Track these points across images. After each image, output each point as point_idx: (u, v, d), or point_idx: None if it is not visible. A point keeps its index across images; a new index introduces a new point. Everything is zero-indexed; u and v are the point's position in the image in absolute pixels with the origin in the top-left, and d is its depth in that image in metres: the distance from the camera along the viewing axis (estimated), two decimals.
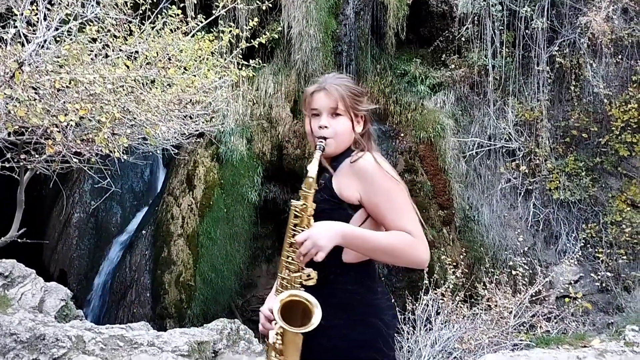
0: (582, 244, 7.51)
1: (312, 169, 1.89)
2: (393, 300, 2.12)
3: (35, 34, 3.17)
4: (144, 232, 8.44)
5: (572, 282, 6.91)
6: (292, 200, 1.92)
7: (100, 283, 8.28)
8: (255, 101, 8.82)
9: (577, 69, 8.06)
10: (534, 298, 5.47)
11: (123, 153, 3.43)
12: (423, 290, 5.49)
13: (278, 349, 1.91)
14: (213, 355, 5.38)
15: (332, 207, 1.94)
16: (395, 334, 5.46)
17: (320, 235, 1.81)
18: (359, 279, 1.98)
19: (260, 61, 4.72)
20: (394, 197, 1.90)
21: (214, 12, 4.05)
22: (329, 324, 1.87)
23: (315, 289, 1.89)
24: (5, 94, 2.86)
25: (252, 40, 4.23)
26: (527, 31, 8.13)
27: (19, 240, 3.62)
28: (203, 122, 4.04)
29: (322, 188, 1.95)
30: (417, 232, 1.88)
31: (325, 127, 1.96)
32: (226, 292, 8.00)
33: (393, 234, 1.87)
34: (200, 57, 3.86)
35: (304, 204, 1.88)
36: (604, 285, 7.15)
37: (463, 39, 8.50)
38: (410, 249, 1.85)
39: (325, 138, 1.95)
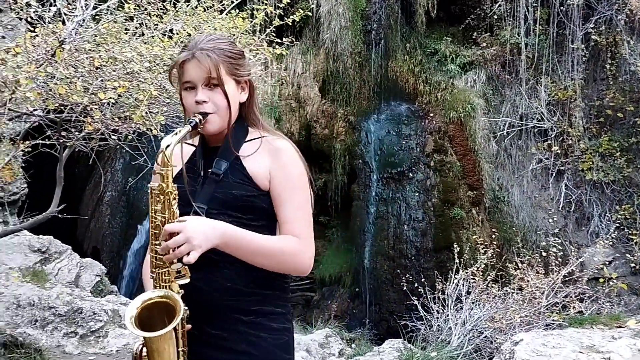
0: (615, 226, 7.39)
1: (168, 141, 1.53)
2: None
3: (74, 12, 3.21)
4: None
5: (607, 263, 6.82)
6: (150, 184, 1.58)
7: (131, 260, 8.44)
8: (283, 81, 8.81)
9: (614, 46, 7.87)
10: (566, 279, 5.42)
11: (160, 131, 3.47)
12: (454, 270, 5.48)
13: None
14: None
15: (251, 194, 1.67)
16: (425, 313, 5.43)
17: (196, 233, 1.50)
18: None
19: (293, 39, 4.71)
20: (300, 194, 1.69)
21: None
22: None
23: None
24: (46, 71, 2.92)
25: (285, 18, 4.22)
26: (562, 8, 7.94)
27: (59, 215, 3.71)
28: None
29: (231, 170, 1.68)
30: (307, 237, 1.67)
31: (204, 101, 1.62)
32: None
33: (279, 238, 1.66)
34: (234, 35, 3.87)
35: (160, 185, 1.54)
36: (637, 267, 7.04)
37: (495, 16, 8.35)
38: (295, 257, 1.64)
39: (207, 114, 1.62)
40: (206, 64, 1.61)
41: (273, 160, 1.69)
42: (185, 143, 1.70)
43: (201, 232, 1.51)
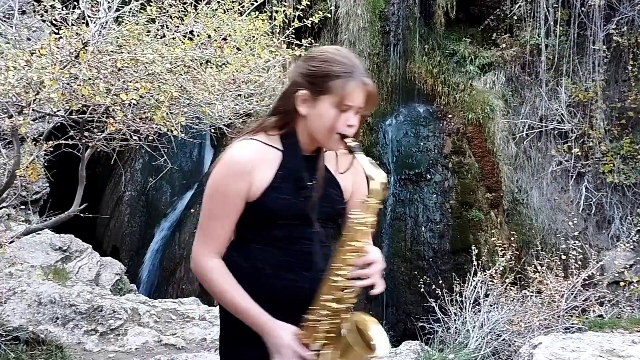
0: (637, 229, 7.29)
1: (382, 174, 1.55)
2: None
3: (97, 15, 3.26)
4: (192, 210, 8.63)
5: (628, 266, 6.73)
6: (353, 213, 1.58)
7: (150, 259, 8.53)
8: None
9: (636, 47, 7.76)
10: (586, 282, 5.36)
11: (180, 132, 3.52)
12: (472, 272, 5.45)
13: None
14: None
15: (343, 207, 1.75)
16: (443, 315, 5.40)
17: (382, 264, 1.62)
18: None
19: (313, 40, 4.73)
20: None
21: None
22: None
23: None
24: (70, 73, 2.97)
25: (304, 20, 4.24)
26: (582, 9, 7.85)
27: (81, 214, 3.77)
28: (255, 102, 4.09)
29: (328, 185, 1.70)
30: None
31: (352, 127, 1.62)
32: None
33: None
34: (253, 37, 3.90)
35: (366, 218, 1.56)
36: None
37: (515, 17, 8.29)
38: None
39: (347, 137, 1.62)
40: (374, 100, 1.64)
41: (355, 176, 1.74)
42: (265, 144, 1.68)
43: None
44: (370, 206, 1.56)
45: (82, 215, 3.77)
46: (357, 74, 1.61)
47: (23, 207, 5.95)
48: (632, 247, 6.52)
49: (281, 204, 1.63)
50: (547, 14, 8.07)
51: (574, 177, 8.02)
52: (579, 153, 8.02)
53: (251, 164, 1.62)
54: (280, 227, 1.66)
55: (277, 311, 1.62)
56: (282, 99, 1.72)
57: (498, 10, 8.63)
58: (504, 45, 8.52)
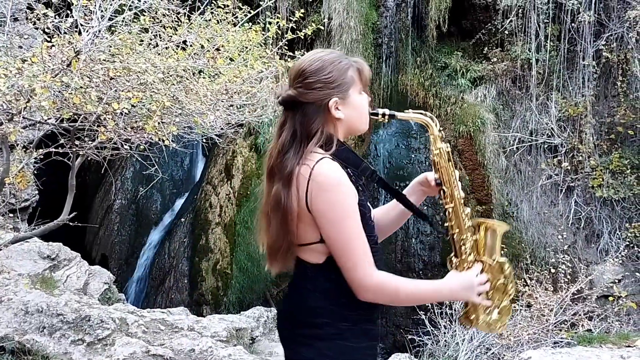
0: (626, 244, 7.33)
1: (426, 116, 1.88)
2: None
3: (89, 23, 3.26)
4: (182, 219, 8.60)
5: (617, 281, 6.77)
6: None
7: (140, 268, 8.48)
8: None
9: (625, 64, 7.85)
10: (575, 296, 5.38)
11: (172, 141, 3.51)
12: None
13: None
14: (250, 341, 5.46)
15: None
16: (432, 328, 5.40)
17: None
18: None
19: (305, 52, 4.74)
20: None
21: (260, 2, 4.10)
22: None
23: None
24: (62, 81, 2.96)
25: (298, 32, 4.26)
26: (573, 24, 7.94)
27: (71, 223, 3.74)
28: (248, 112, 4.09)
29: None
30: None
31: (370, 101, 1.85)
32: (261, 281, 8.08)
33: None
34: (246, 47, 3.91)
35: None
36: None
37: (506, 32, 8.36)
38: None
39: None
40: (369, 74, 1.82)
41: None
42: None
43: None
44: (437, 139, 1.84)
45: (71, 223, 3.74)
46: (350, 59, 1.79)
47: (11, 215, 5.90)
48: (620, 261, 6.57)
49: (364, 202, 1.71)
50: (538, 29, 8.15)
51: (564, 191, 8.07)
52: (569, 167, 8.08)
53: (346, 177, 1.67)
54: (369, 226, 1.73)
55: (374, 309, 1.73)
56: (309, 121, 1.72)
57: (489, 24, 8.71)
58: (495, 59, 8.59)
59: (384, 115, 1.81)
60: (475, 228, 1.89)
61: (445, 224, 1.86)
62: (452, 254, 1.85)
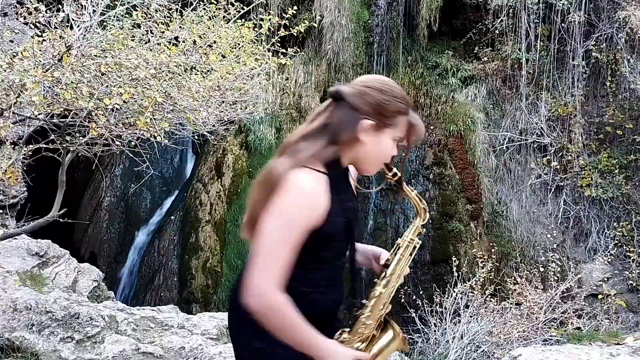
0: (614, 243, 7.40)
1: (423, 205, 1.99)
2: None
3: (81, 18, 3.23)
4: (172, 217, 8.56)
5: (605, 279, 6.82)
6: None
7: (129, 266, 8.43)
8: (285, 90, 8.85)
9: (614, 64, 7.92)
10: (564, 295, 5.42)
11: (163, 137, 3.49)
12: (452, 283, 5.48)
13: None
14: None
15: None
16: (423, 326, 5.41)
17: None
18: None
19: (297, 49, 4.74)
20: None
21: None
22: None
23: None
24: (53, 76, 2.93)
25: (291, 29, 4.25)
26: (563, 25, 8.00)
27: (60, 220, 3.71)
28: (240, 109, 4.08)
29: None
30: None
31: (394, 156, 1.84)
32: None
33: None
34: (239, 44, 3.90)
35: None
36: (635, 285, 7.04)
37: (497, 31, 8.41)
38: None
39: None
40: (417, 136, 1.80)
41: None
42: (319, 171, 1.68)
43: None
44: (418, 229, 1.93)
45: (61, 220, 3.71)
46: (411, 110, 1.76)
47: (0, 211, 5.85)
48: (609, 260, 6.62)
49: (338, 227, 1.67)
50: (528, 29, 8.20)
51: (553, 190, 8.13)
52: (558, 167, 8.13)
53: (320, 196, 1.62)
54: (332, 248, 1.71)
55: (320, 325, 1.65)
56: (341, 127, 1.69)
57: (480, 24, 8.75)
58: (485, 59, 8.62)
59: (394, 175, 1.83)
60: (383, 325, 1.85)
61: (363, 302, 1.83)
62: (347, 329, 1.77)
